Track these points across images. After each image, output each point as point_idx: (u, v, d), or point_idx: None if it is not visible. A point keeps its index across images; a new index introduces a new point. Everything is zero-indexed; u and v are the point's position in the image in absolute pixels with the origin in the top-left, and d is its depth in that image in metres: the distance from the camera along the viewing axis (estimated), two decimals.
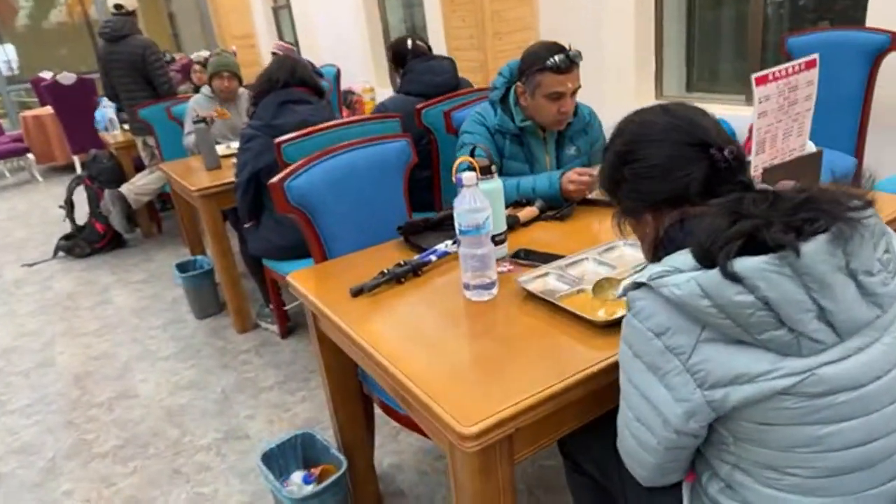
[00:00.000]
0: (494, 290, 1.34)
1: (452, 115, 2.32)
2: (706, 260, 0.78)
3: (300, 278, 1.59)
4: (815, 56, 1.58)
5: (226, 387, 2.57)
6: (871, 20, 2.88)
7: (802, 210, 0.76)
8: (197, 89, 4.75)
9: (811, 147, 1.65)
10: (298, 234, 2.47)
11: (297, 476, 1.70)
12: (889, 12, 2.79)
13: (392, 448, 2.08)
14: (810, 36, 2.97)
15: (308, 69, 2.62)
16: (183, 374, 2.71)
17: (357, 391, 1.73)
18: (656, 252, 0.96)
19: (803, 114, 1.59)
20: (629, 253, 1.45)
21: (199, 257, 3.31)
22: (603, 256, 1.43)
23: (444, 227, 1.69)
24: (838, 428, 0.77)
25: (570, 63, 1.80)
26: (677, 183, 0.91)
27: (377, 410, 1.78)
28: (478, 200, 1.26)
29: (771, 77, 1.49)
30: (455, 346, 1.21)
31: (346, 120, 2.26)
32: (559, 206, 1.78)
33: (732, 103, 3.78)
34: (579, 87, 1.85)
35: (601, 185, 1.05)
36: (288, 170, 1.67)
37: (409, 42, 2.87)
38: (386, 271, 1.47)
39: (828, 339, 0.75)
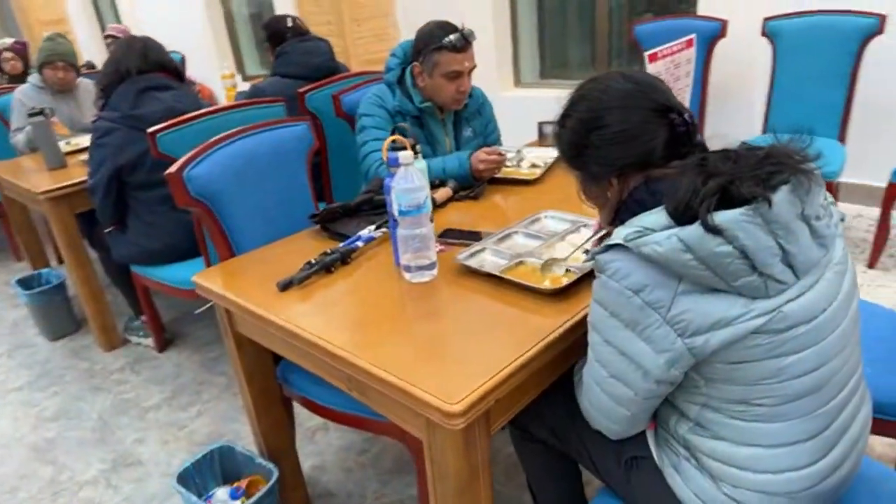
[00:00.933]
0: (435, 271, 1.32)
1: (342, 99, 2.24)
2: (684, 216, 0.83)
3: (209, 278, 1.45)
4: (693, 36, 1.75)
5: (102, 412, 2.28)
6: (703, 9, 3.25)
7: (766, 164, 0.84)
8: (11, 79, 4.11)
9: None
10: (174, 235, 2.27)
11: (223, 492, 1.55)
12: (715, 2, 3.17)
13: (311, 450, 1.98)
14: (654, 24, 3.27)
15: (163, 51, 2.38)
16: (45, 405, 2.35)
17: (279, 395, 1.62)
18: (618, 214, 1.01)
19: (684, 88, 1.76)
20: (551, 224, 1.51)
21: (43, 271, 2.87)
22: (529, 228, 1.47)
23: (363, 211, 1.63)
24: (797, 357, 0.86)
25: (466, 42, 1.82)
26: (643, 147, 0.95)
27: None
28: (417, 179, 1.23)
29: (659, 55, 1.62)
30: (410, 329, 1.18)
31: (225, 105, 2.09)
32: (470, 186, 1.79)
33: None
34: (475, 66, 1.88)
35: (561, 151, 1.06)
36: (185, 158, 1.50)
37: (290, 20, 2.72)
38: (314, 261, 1.39)
39: (789, 280, 0.84)
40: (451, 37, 1.78)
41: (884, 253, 2.64)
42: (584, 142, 0.99)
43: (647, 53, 1.59)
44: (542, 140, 2.21)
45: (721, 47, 3.09)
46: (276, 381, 1.61)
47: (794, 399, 0.89)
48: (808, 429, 0.90)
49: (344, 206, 1.61)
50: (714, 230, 0.80)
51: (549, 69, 4.43)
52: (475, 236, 1.47)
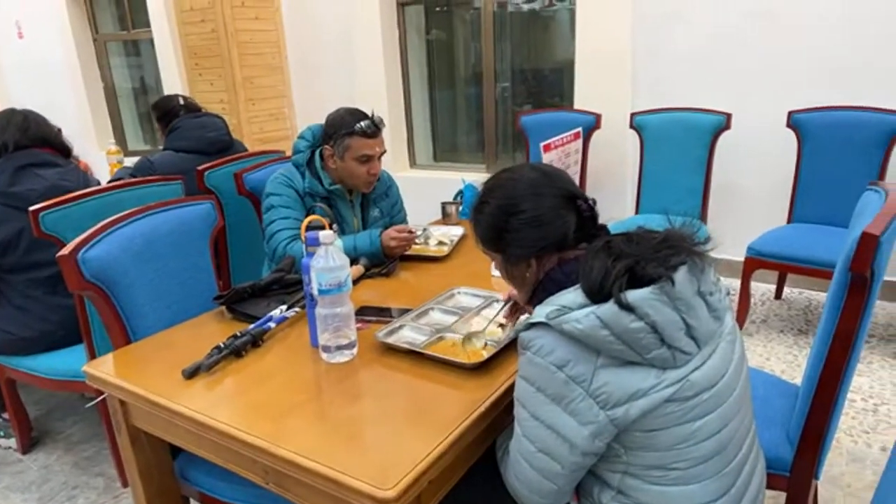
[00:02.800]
0: (355, 350, 1.31)
1: (245, 178, 2.21)
2: (598, 295, 0.91)
3: (102, 366, 1.33)
4: (579, 129, 1.94)
5: None
6: (579, 104, 3.60)
7: (664, 247, 0.94)
8: None
9: None
10: (49, 321, 2.07)
11: None
12: (589, 98, 3.53)
13: None
14: (538, 115, 3.58)
15: (47, 124, 2.24)
16: None
17: (178, 495, 1.48)
18: (535, 293, 1.07)
19: (574, 176, 1.93)
20: (464, 299, 1.56)
21: None
22: (445, 304, 1.51)
23: (273, 291, 1.59)
24: (704, 421, 0.94)
25: (376, 128, 1.90)
26: (558, 230, 1.04)
27: None
28: (338, 258, 1.24)
29: (552, 145, 1.78)
30: (333, 413, 1.15)
31: (120, 183, 1.99)
32: (381, 264, 1.82)
33: (475, 171, 4.31)
34: (385, 150, 1.95)
35: (480, 236, 1.12)
36: (78, 240, 1.40)
37: (181, 99, 2.68)
38: (223, 345, 1.32)
39: (693, 350, 0.93)
40: (363, 123, 1.85)
41: (747, 319, 2.95)
42: (503, 226, 1.06)
43: (542, 144, 1.74)
44: (445, 218, 2.30)
45: (596, 138, 3.42)
46: (174, 477, 1.48)
47: (704, 461, 0.96)
48: (719, 488, 0.98)
49: (253, 286, 1.56)
50: (627, 307, 0.87)
51: (441, 153, 4.66)
52: (392, 313, 1.48)
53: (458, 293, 1.57)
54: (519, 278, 1.11)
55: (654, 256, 0.92)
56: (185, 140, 2.58)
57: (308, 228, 1.33)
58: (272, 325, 1.43)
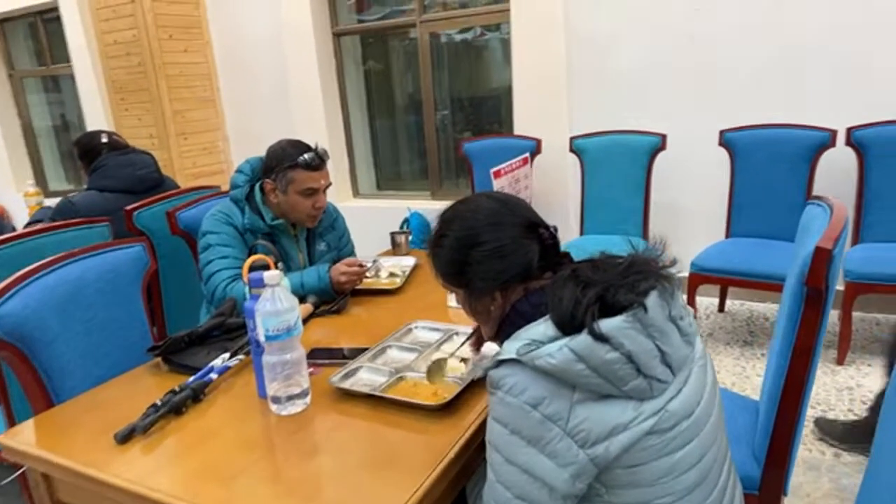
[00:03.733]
0: (308, 399, 1.21)
1: (178, 216, 2.08)
2: (569, 326, 0.86)
3: (19, 436, 1.19)
4: (528, 154, 1.92)
5: None
6: (518, 130, 3.63)
7: (632, 273, 0.91)
8: None
9: None
10: None
11: None
12: (528, 124, 3.57)
13: None
14: (480, 142, 3.58)
15: None
16: None
17: None
18: (501, 327, 1.01)
19: (526, 201, 1.90)
20: (423, 334, 1.49)
21: None
22: (402, 341, 1.43)
23: (213, 337, 1.48)
24: (685, 451, 0.90)
25: (321, 160, 1.82)
26: (521, 260, 0.99)
27: None
28: (285, 300, 1.15)
29: (503, 171, 1.75)
30: (289, 471, 1.05)
31: (39, 227, 1.83)
32: (331, 301, 1.73)
33: (420, 198, 4.27)
34: (330, 183, 1.88)
35: (440, 270, 1.06)
36: None
37: (105, 136, 2.51)
38: (159, 402, 1.20)
39: (668, 378, 0.89)
40: (306, 155, 1.78)
41: None
42: (464, 259, 1.01)
43: (492, 171, 1.72)
44: (395, 249, 2.23)
45: (538, 162, 3.45)
46: None
47: (689, 492, 0.92)
48: None
49: (191, 334, 1.44)
50: (601, 338, 0.83)
51: (384, 181, 4.61)
52: (346, 353, 1.39)
53: (416, 328, 1.50)
54: (483, 313, 1.05)
55: (623, 282, 0.89)
56: (110, 179, 2.42)
57: (251, 269, 1.24)
58: (214, 376, 1.32)
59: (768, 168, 2.96)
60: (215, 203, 2.18)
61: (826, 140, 2.81)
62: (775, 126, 2.94)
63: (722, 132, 3.03)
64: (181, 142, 4.38)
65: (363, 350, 1.38)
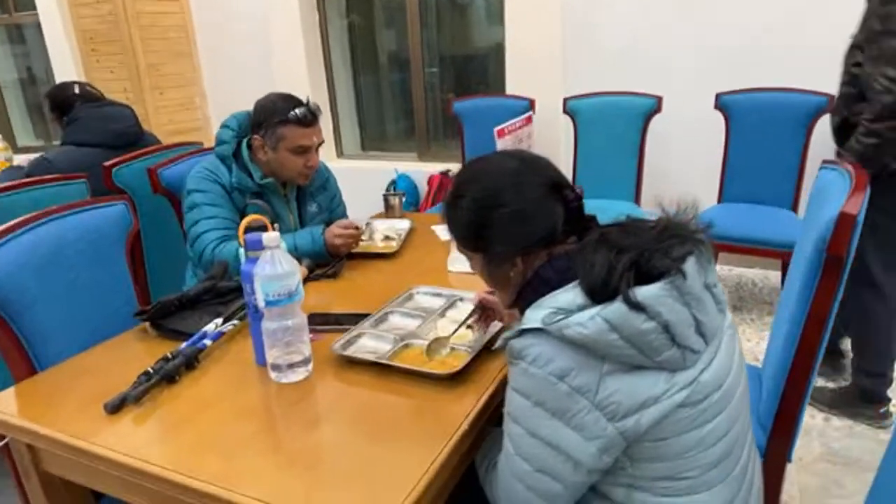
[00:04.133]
0: (310, 367, 1.16)
1: (161, 174, 1.97)
2: (601, 293, 0.81)
3: (2, 405, 1.11)
4: (531, 114, 1.85)
5: None
6: (510, 89, 3.53)
7: (667, 237, 0.85)
8: None
9: None
10: None
11: None
12: (521, 84, 3.47)
13: None
14: (471, 101, 3.47)
15: None
16: None
17: None
18: (521, 294, 0.96)
19: None
20: (424, 300, 1.43)
21: None
22: (404, 307, 1.38)
23: (204, 302, 1.40)
24: (714, 424, 0.87)
25: (313, 116, 1.73)
26: (545, 224, 0.92)
27: None
28: (285, 263, 1.08)
29: (506, 131, 1.68)
30: (291, 444, 1.00)
31: (10, 184, 1.71)
32: (326, 264, 1.66)
33: (406, 160, 4.17)
34: (323, 141, 1.78)
35: (456, 233, 0.99)
36: None
37: (77, 87, 2.37)
38: (151, 370, 1.14)
39: (701, 348, 0.85)
40: (298, 111, 1.68)
41: None
42: (483, 222, 0.94)
43: (496, 129, 1.64)
44: (388, 211, 2.16)
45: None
46: None
47: (714, 466, 0.89)
48: (728, 492, 0.91)
49: (181, 298, 1.37)
50: (637, 307, 0.78)
51: (369, 142, 4.48)
52: (348, 320, 1.33)
53: (417, 293, 1.44)
54: (502, 279, 0.98)
55: (658, 247, 0.83)
56: (87, 133, 2.28)
57: (247, 230, 1.16)
58: (208, 342, 1.25)
59: (764, 132, 2.92)
60: (199, 160, 2.07)
61: (823, 104, 2.77)
62: (772, 90, 2.88)
63: (718, 95, 2.96)
64: (157, 97, 4.19)
65: (364, 316, 1.32)
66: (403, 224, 1.99)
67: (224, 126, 1.81)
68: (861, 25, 1.79)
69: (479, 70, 4.01)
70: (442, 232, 1.93)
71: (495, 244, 0.94)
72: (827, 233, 1.13)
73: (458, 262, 1.62)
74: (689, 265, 0.82)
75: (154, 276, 2.12)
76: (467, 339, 1.20)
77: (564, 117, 3.26)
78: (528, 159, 0.98)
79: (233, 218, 1.73)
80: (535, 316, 0.83)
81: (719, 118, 2.98)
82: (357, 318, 1.31)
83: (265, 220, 1.21)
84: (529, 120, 1.82)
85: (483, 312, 1.20)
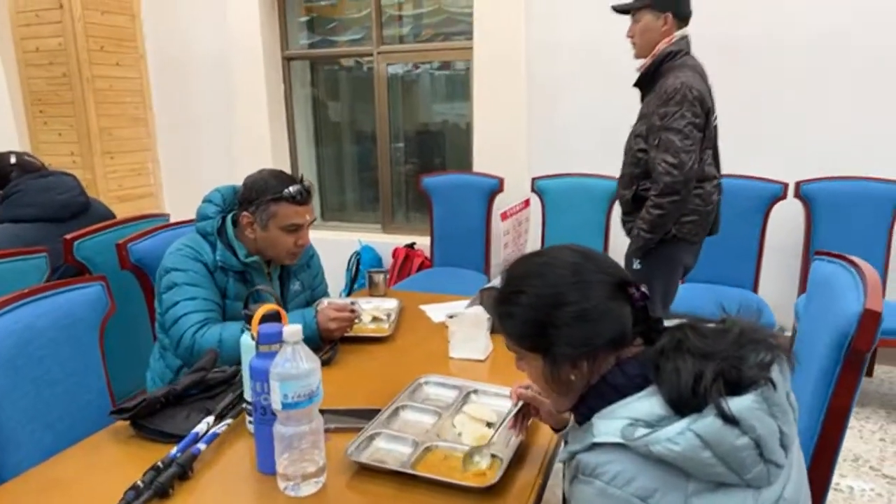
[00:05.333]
0: (323, 477, 1.04)
1: (130, 248, 1.83)
2: (686, 405, 0.76)
3: None
4: (529, 197, 1.85)
5: None
6: (478, 167, 3.57)
7: (746, 342, 0.81)
8: None
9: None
10: None
11: None
12: (488, 162, 3.52)
13: None
14: (441, 177, 3.49)
15: None
16: None
17: None
18: (585, 400, 0.89)
19: (525, 242, 1.82)
20: (434, 391, 1.35)
21: None
22: (414, 400, 1.29)
23: (191, 396, 1.27)
24: None
25: (307, 194, 1.66)
26: (614, 325, 0.86)
27: None
28: (307, 359, 0.98)
29: (508, 213, 1.66)
30: None
31: None
32: (318, 349, 1.55)
33: (370, 231, 4.11)
34: (315, 218, 1.71)
35: (514, 332, 0.92)
36: None
37: (13, 157, 2.19)
38: (141, 483, 0.99)
39: (783, 462, 0.80)
40: (292, 188, 1.61)
41: None
42: (546, 321, 0.87)
43: (499, 213, 1.63)
44: (372, 289, 2.07)
45: (500, 200, 3.38)
46: None
47: None
48: None
49: (168, 393, 1.23)
50: (731, 420, 0.73)
51: (329, 212, 4.41)
52: (358, 416, 1.22)
53: (426, 383, 1.35)
54: (563, 383, 0.90)
55: (740, 354, 0.79)
56: (28, 207, 2.08)
57: (262, 319, 1.06)
58: (202, 446, 1.11)
59: (723, 216, 3.05)
60: (170, 234, 1.96)
61: (778, 192, 2.94)
62: (730, 176, 3.03)
63: None
64: (107, 161, 4.01)
65: (375, 412, 1.22)
66: (391, 304, 1.91)
67: (207, 201, 1.71)
68: (640, 119, 2.11)
69: (445, 145, 4.07)
70: (434, 313, 1.86)
71: (559, 345, 0.87)
72: (850, 328, 1.14)
73: (460, 349, 1.55)
74: (775, 374, 0.79)
75: (113, 362, 1.92)
76: (489, 440, 1.11)
77: (534, 195, 3.31)
78: (590, 254, 0.92)
79: (215, 299, 1.61)
80: (608, 428, 0.77)
81: None
82: (367, 414, 1.21)
83: (280, 308, 1.12)
84: (528, 203, 1.82)
85: (522, 411, 1.11)
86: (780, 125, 3.07)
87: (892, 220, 2.86)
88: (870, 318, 1.11)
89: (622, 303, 0.87)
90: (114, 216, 2.33)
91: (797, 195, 2.96)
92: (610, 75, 3.26)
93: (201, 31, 4.05)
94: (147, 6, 4.15)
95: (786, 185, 2.92)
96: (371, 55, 3.85)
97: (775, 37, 3.00)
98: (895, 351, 3.09)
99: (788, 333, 2.86)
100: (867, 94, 2.91)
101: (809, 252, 2.98)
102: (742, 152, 3.12)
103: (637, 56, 2.10)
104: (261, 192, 1.62)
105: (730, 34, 3.01)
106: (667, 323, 0.90)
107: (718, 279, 3.05)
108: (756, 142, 3.12)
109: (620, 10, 2.09)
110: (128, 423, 1.19)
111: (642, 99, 2.16)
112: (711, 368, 0.76)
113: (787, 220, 3.03)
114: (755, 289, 3.00)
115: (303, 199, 1.64)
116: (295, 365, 0.97)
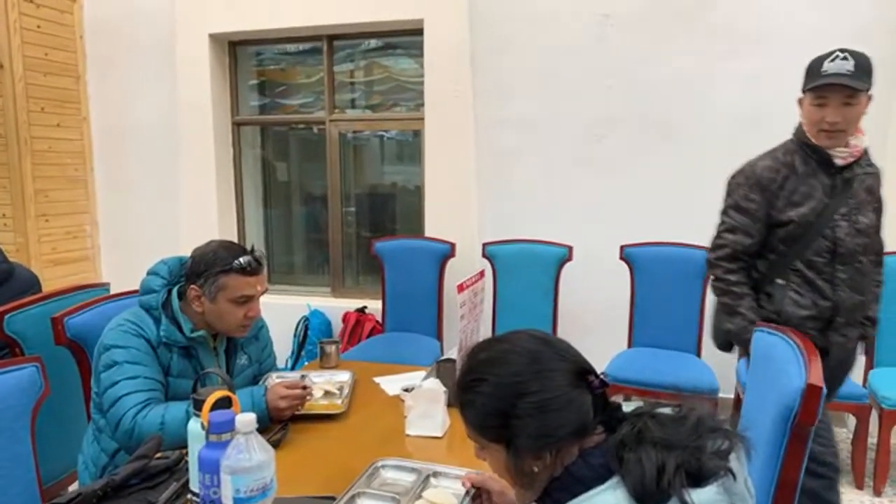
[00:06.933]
0: None
1: (66, 322, 1.73)
2: (651, 497, 0.76)
3: None
4: (483, 269, 1.87)
5: None
6: (429, 232, 3.61)
7: (704, 431, 0.82)
8: None
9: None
10: None
11: None
12: (439, 227, 3.56)
13: None
14: (393, 242, 3.50)
15: None
16: None
17: None
18: (548, 492, 0.87)
19: (480, 314, 1.83)
20: (392, 475, 1.30)
21: None
22: (372, 486, 1.24)
23: (131, 487, 1.18)
24: None
25: (259, 264, 1.63)
26: (577, 415, 0.85)
27: None
28: (260, 450, 0.94)
29: (465, 285, 1.67)
30: None
31: None
32: (267, 430, 1.48)
33: (319, 294, 4.04)
34: (266, 289, 1.68)
35: (474, 421, 0.90)
36: None
37: None
38: None
39: None
40: (242, 259, 1.58)
41: None
42: (508, 411, 0.86)
43: (456, 285, 1.63)
44: (323, 360, 2.02)
45: (452, 265, 3.42)
46: None
47: None
48: None
49: (106, 486, 1.14)
50: None
51: (276, 275, 4.32)
52: None
53: (382, 467, 1.31)
54: (526, 475, 0.88)
55: (699, 444, 0.80)
56: None
57: (212, 406, 1.01)
58: None
59: (665, 282, 3.16)
60: (111, 307, 1.87)
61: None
62: (670, 244, 3.17)
63: (622, 247, 3.20)
64: (41, 223, 3.84)
65: (330, 500, 1.16)
66: (344, 376, 1.87)
67: (153, 273, 1.66)
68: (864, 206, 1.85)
69: (395, 207, 4.10)
70: (388, 385, 1.83)
71: (522, 437, 0.86)
72: (794, 403, 1.19)
73: (417, 426, 1.52)
74: (734, 462, 0.81)
75: (42, 442, 1.77)
76: None
77: (485, 260, 3.36)
78: (550, 340, 0.93)
79: (157, 378, 1.54)
80: None
81: (625, 268, 3.20)
82: (322, 503, 1.16)
83: (231, 395, 1.07)
84: (482, 274, 1.84)
85: (476, 497, 1.09)
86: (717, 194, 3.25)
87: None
88: (812, 394, 1.17)
89: (583, 391, 0.88)
90: (37, 279, 2.21)
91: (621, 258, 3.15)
92: (556, 148, 3.41)
93: (149, 94, 4.01)
94: (92, 68, 4.10)
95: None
96: (324, 123, 3.89)
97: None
98: None
99: (731, 396, 2.95)
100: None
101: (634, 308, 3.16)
102: (680, 219, 3.28)
103: (835, 146, 1.75)
104: (210, 265, 1.58)
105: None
106: (625, 407, 0.91)
107: (663, 343, 3.13)
108: (693, 209, 3.28)
109: (842, 86, 1.66)
110: None
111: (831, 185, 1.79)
112: (673, 459, 0.77)
113: None
114: (698, 353, 3.09)
115: (253, 269, 1.60)
116: (248, 457, 0.92)
